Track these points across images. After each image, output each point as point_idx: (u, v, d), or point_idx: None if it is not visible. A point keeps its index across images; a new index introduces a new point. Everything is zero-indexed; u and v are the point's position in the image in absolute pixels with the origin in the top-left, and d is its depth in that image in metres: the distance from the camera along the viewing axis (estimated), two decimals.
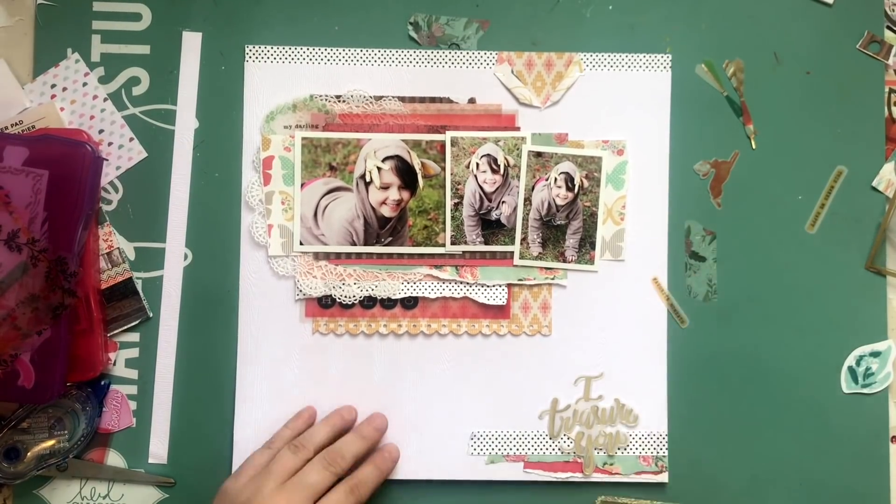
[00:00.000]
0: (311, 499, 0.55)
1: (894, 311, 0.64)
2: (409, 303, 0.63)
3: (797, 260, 0.64)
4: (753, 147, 0.62)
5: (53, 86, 0.63)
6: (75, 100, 0.63)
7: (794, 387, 0.63)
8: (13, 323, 0.57)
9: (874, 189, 0.64)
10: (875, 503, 0.63)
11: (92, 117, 0.63)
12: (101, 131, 0.63)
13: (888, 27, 0.65)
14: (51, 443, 0.60)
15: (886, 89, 0.65)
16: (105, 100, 0.63)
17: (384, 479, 0.60)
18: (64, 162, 0.58)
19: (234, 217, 0.63)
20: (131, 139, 0.63)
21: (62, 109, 0.63)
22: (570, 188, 0.63)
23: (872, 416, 0.63)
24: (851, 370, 0.64)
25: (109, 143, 0.63)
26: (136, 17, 0.64)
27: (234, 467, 0.61)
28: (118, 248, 0.63)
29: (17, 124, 0.62)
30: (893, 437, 0.63)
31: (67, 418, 0.61)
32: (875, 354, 0.64)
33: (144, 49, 0.64)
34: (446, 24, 0.64)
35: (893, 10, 0.65)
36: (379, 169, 0.63)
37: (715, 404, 0.63)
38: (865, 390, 0.63)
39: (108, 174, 0.63)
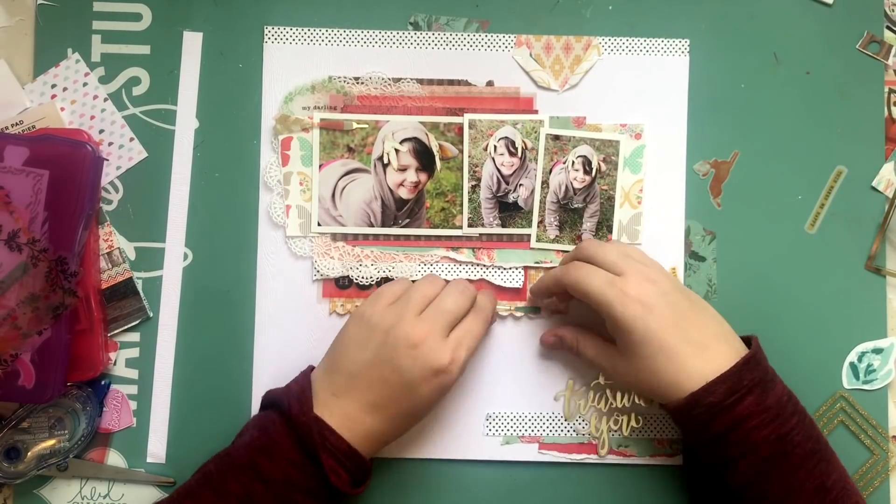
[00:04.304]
0: (450, 325, 0.56)
1: (894, 311, 0.64)
2: None
3: (797, 260, 0.64)
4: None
5: (54, 86, 0.63)
6: (76, 100, 0.63)
7: (792, 385, 0.63)
8: (13, 323, 0.57)
9: (874, 189, 0.65)
10: (875, 499, 0.63)
11: (92, 117, 0.63)
12: (101, 131, 0.63)
13: (888, 27, 0.65)
14: (51, 442, 0.60)
15: (886, 89, 0.65)
16: (105, 100, 0.63)
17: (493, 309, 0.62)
18: (64, 162, 0.58)
19: (241, 210, 0.63)
20: (131, 139, 0.63)
21: (62, 109, 0.63)
22: (587, 171, 0.63)
23: (872, 413, 0.63)
24: (853, 366, 0.64)
25: (110, 143, 0.63)
26: (137, 17, 0.64)
27: None
28: (118, 247, 0.63)
29: (17, 124, 0.62)
30: (893, 436, 0.63)
31: (68, 418, 0.61)
32: (877, 351, 0.64)
33: (145, 49, 0.64)
34: (446, 24, 0.64)
35: (893, 11, 0.65)
36: (397, 151, 0.63)
37: None
38: (866, 386, 0.64)
39: (109, 174, 0.63)
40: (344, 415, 0.54)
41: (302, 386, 0.56)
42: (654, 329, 0.54)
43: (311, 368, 0.59)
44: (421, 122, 0.63)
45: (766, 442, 0.52)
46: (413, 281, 0.60)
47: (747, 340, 0.57)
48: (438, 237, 0.63)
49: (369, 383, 0.55)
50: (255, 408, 0.62)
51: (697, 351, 0.54)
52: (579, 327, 0.61)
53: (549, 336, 0.62)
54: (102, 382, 0.62)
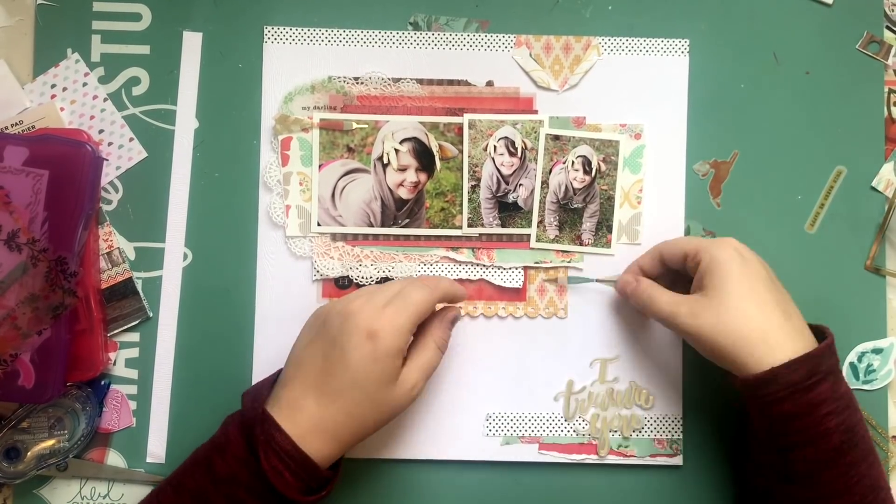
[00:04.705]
0: (413, 319, 0.54)
1: (894, 311, 0.64)
2: None
3: (797, 260, 0.64)
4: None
5: (53, 86, 0.63)
6: (75, 100, 0.63)
7: None
8: (13, 323, 0.57)
9: (874, 189, 0.65)
10: None
11: (92, 117, 0.63)
12: (101, 131, 0.63)
13: (888, 27, 0.65)
14: (51, 442, 0.60)
15: (886, 89, 0.65)
16: (105, 100, 0.63)
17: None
18: (64, 162, 0.58)
19: (241, 210, 0.63)
20: (131, 139, 0.63)
21: (62, 109, 0.63)
22: (587, 171, 0.63)
23: (872, 413, 0.63)
24: (853, 366, 0.64)
25: (109, 143, 0.63)
26: (136, 17, 0.64)
27: None
28: (118, 247, 0.63)
29: (17, 124, 0.62)
30: (893, 436, 0.63)
31: (67, 418, 0.61)
32: (877, 351, 0.64)
33: (144, 49, 0.64)
34: (446, 24, 0.64)
35: (893, 11, 0.65)
36: (397, 151, 0.63)
37: (728, 393, 0.63)
38: (866, 387, 0.64)
39: (108, 174, 0.63)
40: (288, 404, 0.53)
41: (263, 382, 0.56)
42: (748, 274, 0.54)
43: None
44: (421, 122, 0.63)
45: (836, 431, 0.51)
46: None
47: (817, 329, 0.56)
48: (438, 237, 0.63)
49: (311, 361, 0.54)
50: None
51: (784, 318, 0.53)
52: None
53: (630, 274, 0.61)
54: (102, 382, 0.62)
